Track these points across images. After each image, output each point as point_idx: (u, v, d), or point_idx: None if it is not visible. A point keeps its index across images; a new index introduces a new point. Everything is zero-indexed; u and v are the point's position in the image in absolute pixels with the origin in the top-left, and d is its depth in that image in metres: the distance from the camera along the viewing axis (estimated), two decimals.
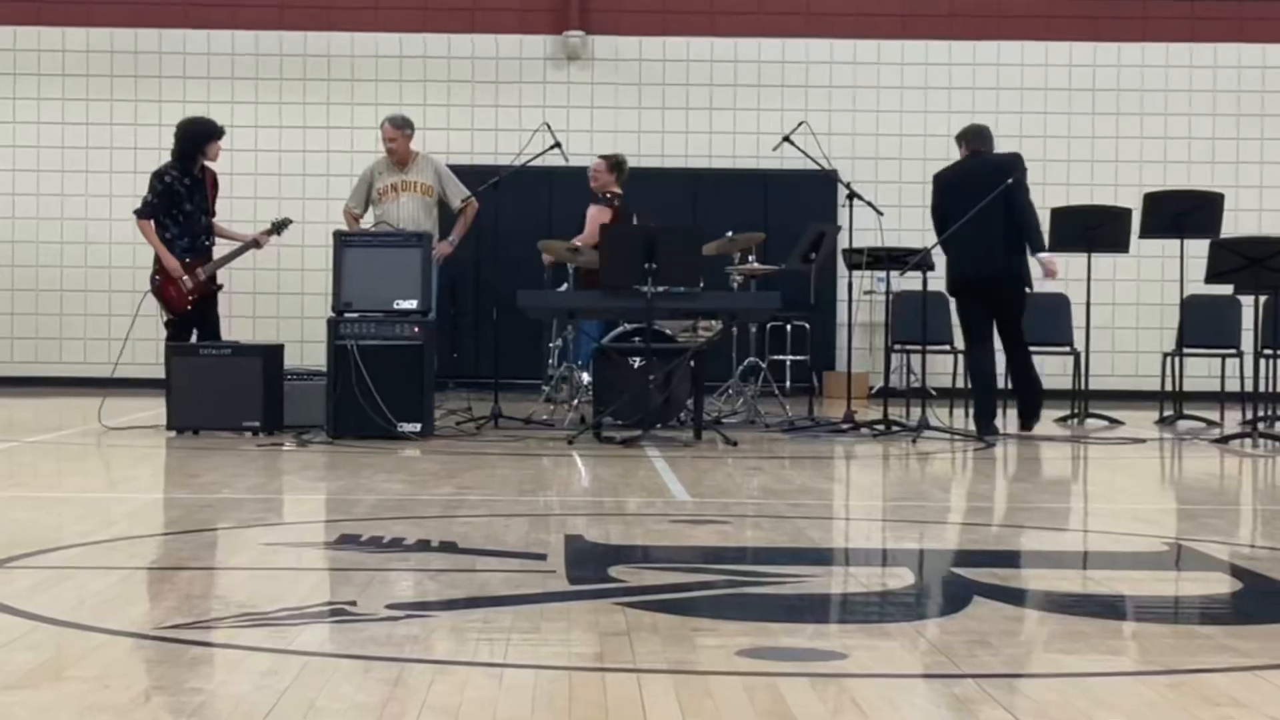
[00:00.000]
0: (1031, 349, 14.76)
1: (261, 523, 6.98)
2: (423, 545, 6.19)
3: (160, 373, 11.57)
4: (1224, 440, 11.50)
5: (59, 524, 6.84)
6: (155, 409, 12.19)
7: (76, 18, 17.41)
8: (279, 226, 12.35)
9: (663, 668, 4.07)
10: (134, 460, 10.01)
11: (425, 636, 4.46)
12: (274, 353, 11.55)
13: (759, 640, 4.44)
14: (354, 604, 4.88)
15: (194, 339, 11.91)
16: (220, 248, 12.23)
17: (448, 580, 5.45)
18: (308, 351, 15.79)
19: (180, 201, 11.91)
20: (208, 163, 12.11)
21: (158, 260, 11.93)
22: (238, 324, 16.59)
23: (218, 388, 11.17)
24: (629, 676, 3.98)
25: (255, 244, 12.31)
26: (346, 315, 11.13)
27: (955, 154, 17.23)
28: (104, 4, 17.41)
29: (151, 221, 11.89)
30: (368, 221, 12.92)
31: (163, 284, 11.91)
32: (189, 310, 11.90)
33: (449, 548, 6.14)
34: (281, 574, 5.64)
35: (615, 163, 13.49)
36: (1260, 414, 12.17)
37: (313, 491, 8.47)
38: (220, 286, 12.19)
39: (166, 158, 12.22)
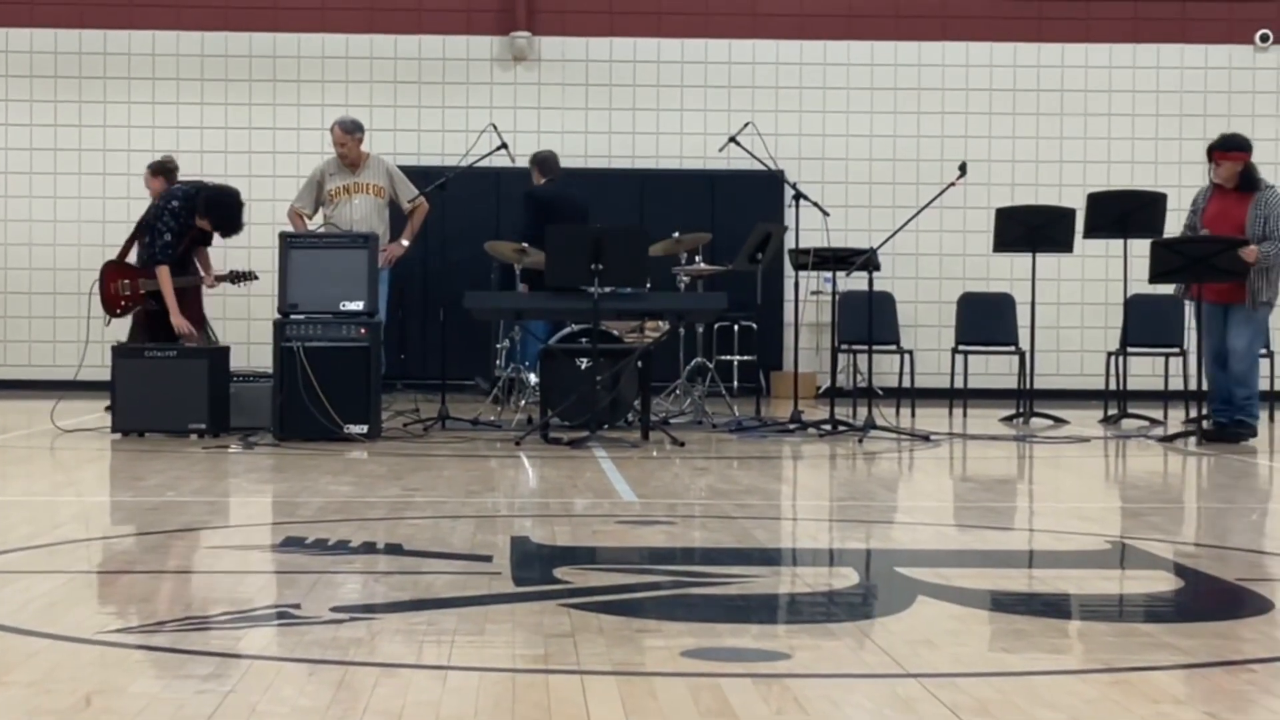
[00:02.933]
0: (977, 348, 14.90)
1: (206, 525, 6.96)
2: (368, 547, 6.18)
3: (105, 374, 11.50)
4: (1169, 439, 11.53)
5: (3, 527, 6.80)
6: (101, 410, 12.11)
7: (20, 18, 17.29)
8: (239, 277, 12.20)
9: (607, 669, 4.08)
10: (80, 463, 9.97)
11: (369, 639, 4.45)
12: (220, 354, 11.52)
13: (703, 641, 4.45)
14: (298, 607, 4.88)
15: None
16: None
17: (393, 582, 5.45)
18: (254, 353, 15.75)
19: (181, 234, 11.82)
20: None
21: (121, 256, 11.95)
22: None
23: (164, 390, 11.13)
24: (573, 678, 3.99)
25: (205, 281, 12.19)
26: (293, 317, 11.10)
27: (900, 153, 17.39)
28: (47, 4, 17.30)
29: (169, 268, 11.75)
30: (316, 223, 12.89)
31: (107, 276, 11.86)
32: (117, 314, 11.88)
33: (395, 550, 6.13)
34: (226, 577, 5.63)
35: (164, 169, 13.65)
36: (1203, 412, 12.24)
37: (258, 494, 8.45)
38: (155, 308, 12.03)
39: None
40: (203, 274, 12.18)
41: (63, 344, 16.87)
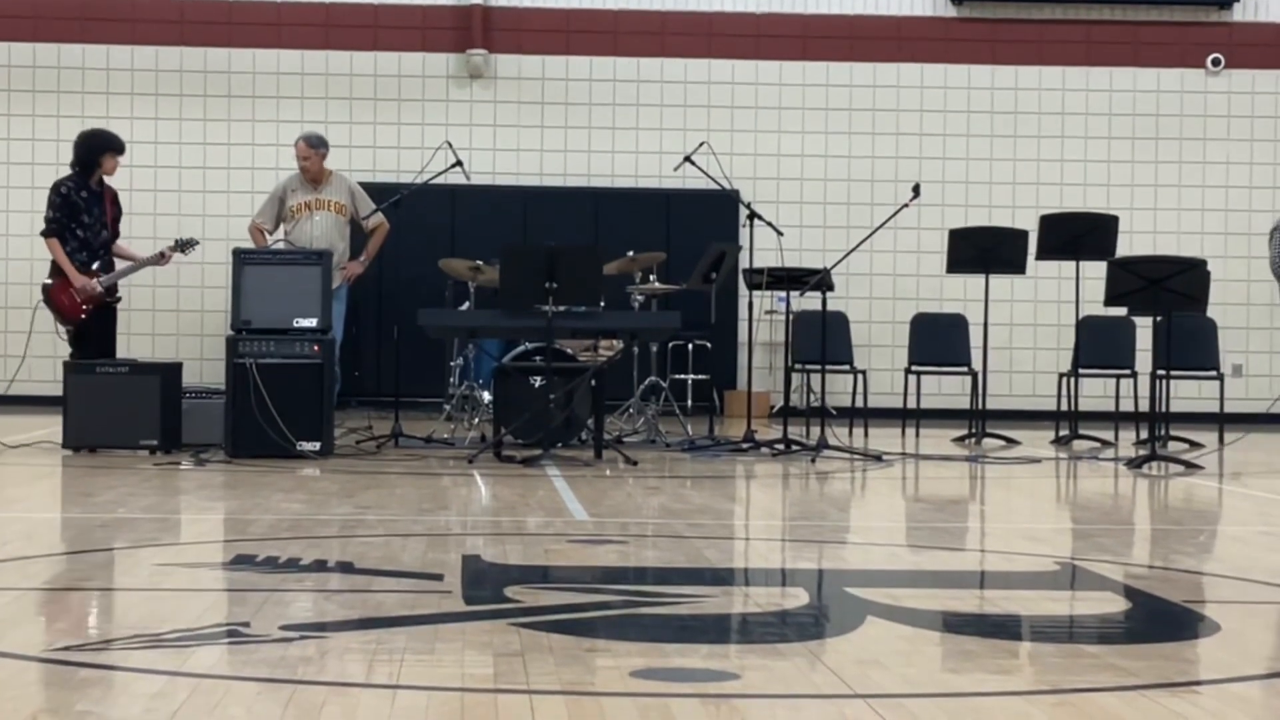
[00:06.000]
0: (930, 369, 14.93)
1: (156, 543, 6.93)
2: (319, 565, 6.17)
3: (56, 390, 11.47)
4: (1137, 464, 11.44)
5: None
6: (51, 426, 12.06)
7: None
8: (184, 245, 12.20)
9: (556, 688, 4.09)
10: (29, 479, 9.91)
11: (319, 658, 4.45)
12: (172, 371, 11.47)
13: (653, 661, 4.46)
14: (248, 625, 4.87)
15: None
16: (120, 265, 12.10)
17: (343, 601, 5.44)
18: (207, 369, 15.70)
19: (78, 213, 11.80)
20: (106, 179, 12.01)
21: (52, 269, 11.82)
22: (136, 341, 16.45)
23: (115, 406, 11.08)
24: (522, 697, 3.99)
25: (160, 258, 12.16)
26: (245, 333, 11.08)
27: (854, 174, 17.44)
28: (1, 17, 17.23)
29: (57, 239, 11.75)
30: (276, 238, 12.86)
31: (55, 292, 11.80)
32: (83, 319, 11.78)
33: (345, 568, 6.12)
34: (175, 595, 5.61)
35: None
36: (1157, 434, 12.31)
37: (209, 511, 8.42)
38: (118, 299, 12.05)
39: (65, 173, 12.13)
40: (151, 256, 12.11)
41: (12, 358, 16.78)
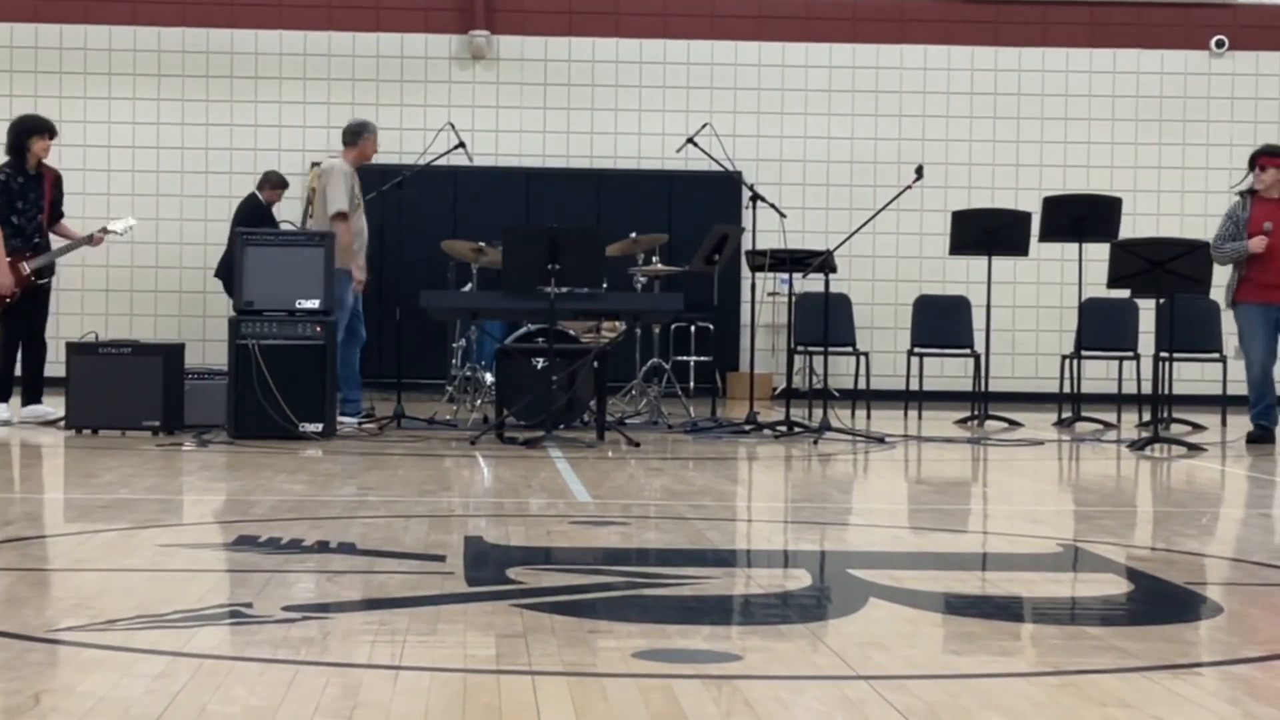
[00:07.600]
0: (932, 351, 14.92)
1: (158, 524, 6.93)
2: (321, 546, 6.17)
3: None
4: (1140, 446, 11.45)
5: None
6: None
7: None
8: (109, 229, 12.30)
9: (558, 669, 4.09)
10: (30, 459, 9.92)
11: (321, 638, 4.45)
12: (175, 352, 11.47)
13: (655, 642, 4.46)
14: (250, 606, 4.87)
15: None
16: (56, 245, 12.16)
17: (345, 582, 5.43)
18: (210, 350, 15.71)
19: (14, 200, 11.81)
20: (45, 161, 12.00)
21: None
22: (139, 322, 16.46)
23: (118, 387, 11.08)
24: (524, 678, 3.99)
25: (90, 240, 12.19)
26: (248, 314, 11.07)
27: (857, 156, 17.42)
28: None
29: None
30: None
31: None
32: (8, 301, 11.79)
33: (348, 549, 6.12)
34: (177, 576, 5.61)
35: None
36: (1159, 416, 12.30)
37: (212, 492, 8.42)
38: (45, 282, 12.05)
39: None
40: (82, 237, 12.14)
41: None
